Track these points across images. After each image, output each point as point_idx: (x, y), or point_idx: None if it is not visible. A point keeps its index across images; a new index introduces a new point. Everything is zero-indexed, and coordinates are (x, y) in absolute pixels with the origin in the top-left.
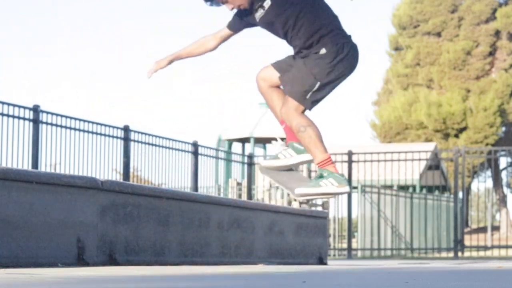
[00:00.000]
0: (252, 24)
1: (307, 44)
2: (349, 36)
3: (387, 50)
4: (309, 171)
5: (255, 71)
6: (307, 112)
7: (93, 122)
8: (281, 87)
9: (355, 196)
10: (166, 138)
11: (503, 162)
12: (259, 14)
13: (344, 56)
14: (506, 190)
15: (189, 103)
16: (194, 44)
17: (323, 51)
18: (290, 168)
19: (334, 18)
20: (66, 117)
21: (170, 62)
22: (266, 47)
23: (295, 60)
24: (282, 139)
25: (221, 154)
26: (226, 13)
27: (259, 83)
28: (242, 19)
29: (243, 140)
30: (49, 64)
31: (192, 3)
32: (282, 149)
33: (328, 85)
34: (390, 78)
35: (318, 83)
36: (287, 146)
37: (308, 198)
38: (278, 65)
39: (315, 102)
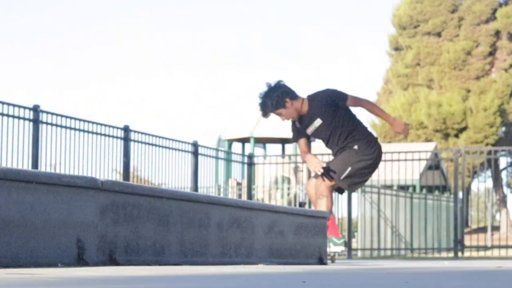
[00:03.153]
0: (306, 134)
1: (344, 144)
2: (376, 139)
3: (387, 50)
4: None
5: (255, 70)
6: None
7: (93, 122)
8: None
9: (355, 196)
10: (166, 138)
11: (503, 162)
12: (310, 129)
13: (372, 152)
14: (506, 190)
15: (189, 103)
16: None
17: (355, 147)
18: None
19: (366, 130)
20: (66, 117)
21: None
22: (266, 48)
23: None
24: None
25: (221, 154)
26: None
27: (309, 193)
28: (297, 130)
29: (243, 140)
30: (49, 64)
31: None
32: None
33: (358, 172)
34: (390, 78)
35: (350, 168)
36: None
37: None
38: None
39: (348, 183)
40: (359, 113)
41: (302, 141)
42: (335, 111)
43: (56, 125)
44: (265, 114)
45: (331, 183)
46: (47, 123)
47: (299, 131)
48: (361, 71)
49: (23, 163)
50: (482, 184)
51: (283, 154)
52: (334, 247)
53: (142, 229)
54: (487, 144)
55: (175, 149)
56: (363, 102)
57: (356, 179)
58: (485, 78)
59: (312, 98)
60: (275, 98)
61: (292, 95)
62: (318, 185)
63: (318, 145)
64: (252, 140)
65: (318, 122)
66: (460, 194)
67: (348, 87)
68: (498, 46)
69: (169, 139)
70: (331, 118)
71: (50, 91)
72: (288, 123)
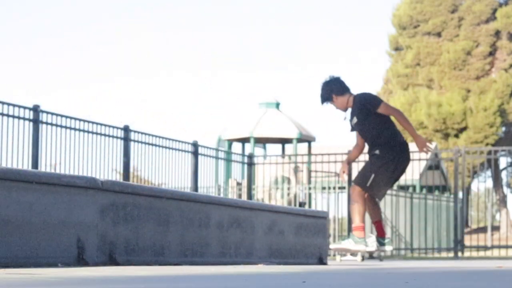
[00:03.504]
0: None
1: (371, 148)
2: (400, 144)
3: (387, 50)
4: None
5: (255, 70)
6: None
7: (93, 122)
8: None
9: None
10: (166, 138)
11: (503, 162)
12: (352, 123)
13: (393, 157)
14: (506, 190)
15: (189, 103)
16: (352, 152)
17: (377, 151)
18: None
19: (394, 135)
20: (66, 117)
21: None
22: (266, 48)
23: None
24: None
25: (221, 154)
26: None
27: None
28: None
29: (243, 140)
30: (49, 64)
31: None
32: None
33: (382, 177)
34: (390, 78)
35: (374, 175)
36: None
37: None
38: None
39: (372, 190)
40: None
41: (357, 133)
42: (367, 114)
43: (56, 125)
44: (320, 103)
45: (361, 189)
46: (47, 123)
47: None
48: (361, 71)
49: (23, 163)
50: (482, 184)
51: (283, 154)
52: (386, 247)
53: (142, 229)
54: (487, 144)
55: (175, 149)
56: (394, 112)
57: (382, 185)
58: (485, 78)
59: (354, 97)
60: (325, 92)
61: (339, 92)
62: (351, 191)
63: (318, 145)
64: (252, 140)
65: (355, 119)
66: (460, 194)
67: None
68: (498, 46)
69: (169, 139)
70: (363, 120)
71: (50, 91)
72: (288, 124)
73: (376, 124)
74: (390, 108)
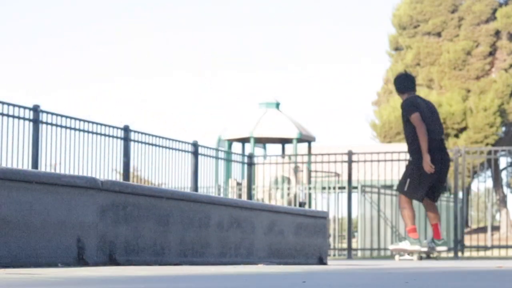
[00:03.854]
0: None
1: (409, 153)
2: (432, 151)
3: (387, 50)
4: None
5: (255, 70)
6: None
7: (93, 122)
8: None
9: (355, 196)
10: (166, 138)
11: (503, 162)
12: None
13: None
14: (506, 190)
15: (189, 103)
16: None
17: (410, 158)
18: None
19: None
20: (66, 117)
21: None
22: (266, 48)
23: None
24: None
25: (221, 154)
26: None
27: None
28: None
29: (243, 140)
30: (49, 64)
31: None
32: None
33: (417, 181)
34: (390, 78)
35: (409, 180)
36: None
37: (396, 251)
38: None
39: (412, 194)
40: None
41: None
42: (406, 120)
43: (56, 125)
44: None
45: (404, 195)
46: (47, 123)
47: None
48: (361, 71)
49: (23, 163)
50: (482, 184)
51: (283, 154)
52: (438, 248)
53: (142, 229)
54: (487, 144)
55: (175, 149)
56: (418, 125)
57: (419, 188)
58: (485, 78)
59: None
60: (394, 86)
61: (399, 90)
62: (398, 199)
63: (318, 145)
64: (252, 140)
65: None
66: (460, 194)
67: (348, 87)
68: (498, 46)
69: (169, 139)
70: (403, 124)
71: (50, 91)
72: (288, 124)
73: (411, 130)
74: (417, 120)
